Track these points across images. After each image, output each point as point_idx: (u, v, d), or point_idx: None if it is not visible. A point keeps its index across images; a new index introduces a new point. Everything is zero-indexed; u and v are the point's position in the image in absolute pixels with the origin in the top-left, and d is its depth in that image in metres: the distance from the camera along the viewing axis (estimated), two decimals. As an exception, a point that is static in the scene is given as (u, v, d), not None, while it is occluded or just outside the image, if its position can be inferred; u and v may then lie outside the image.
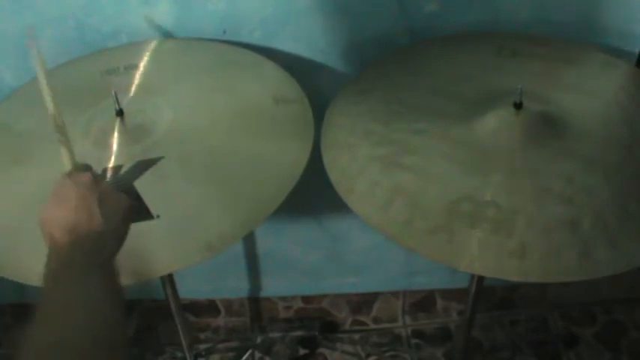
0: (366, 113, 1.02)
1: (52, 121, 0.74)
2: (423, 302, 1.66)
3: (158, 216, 0.86)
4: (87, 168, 0.76)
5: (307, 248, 1.54)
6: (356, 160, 0.95)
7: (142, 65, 1.11)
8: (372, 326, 1.66)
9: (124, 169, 0.92)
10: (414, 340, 1.62)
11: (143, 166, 0.92)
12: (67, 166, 0.76)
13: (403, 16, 1.17)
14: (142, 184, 0.89)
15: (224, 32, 1.17)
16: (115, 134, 0.96)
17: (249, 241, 1.53)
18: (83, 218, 0.66)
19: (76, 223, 0.65)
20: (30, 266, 0.80)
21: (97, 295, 0.60)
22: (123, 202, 0.72)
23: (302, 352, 1.60)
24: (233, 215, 0.89)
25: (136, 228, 0.85)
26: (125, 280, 0.70)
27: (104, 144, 0.96)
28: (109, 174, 0.91)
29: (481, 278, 1.12)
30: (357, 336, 1.64)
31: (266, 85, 1.07)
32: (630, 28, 1.17)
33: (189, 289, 1.51)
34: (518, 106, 0.94)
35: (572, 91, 1.02)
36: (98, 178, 0.74)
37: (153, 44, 1.16)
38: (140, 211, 0.86)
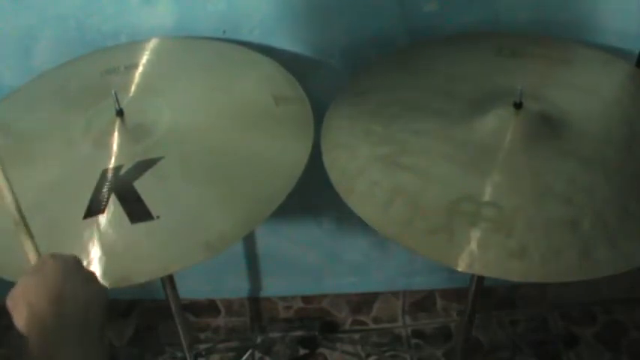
0: (366, 113, 1.02)
1: (11, 213, 0.70)
2: (423, 302, 1.66)
3: (158, 217, 0.86)
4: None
5: (307, 248, 1.54)
6: (356, 160, 0.95)
7: (141, 65, 1.11)
8: (372, 326, 1.66)
9: (124, 170, 0.91)
10: (414, 340, 1.62)
11: (143, 166, 0.92)
12: (32, 260, 0.71)
13: (403, 16, 1.17)
14: (142, 184, 0.89)
15: (224, 32, 1.17)
16: (115, 134, 0.96)
17: (249, 241, 1.53)
18: (67, 291, 0.62)
19: (59, 295, 0.61)
20: (29, 267, 0.80)
21: None
22: (102, 290, 0.66)
23: (302, 352, 1.60)
24: (233, 215, 0.89)
25: (137, 228, 0.85)
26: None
27: (104, 144, 0.96)
28: (109, 174, 0.91)
29: (481, 278, 1.12)
30: (357, 336, 1.64)
31: (266, 85, 1.07)
32: (630, 28, 1.17)
33: (189, 289, 1.50)
34: (518, 106, 0.94)
35: (572, 91, 1.03)
36: (80, 262, 0.69)
37: (153, 43, 1.16)
38: (140, 212, 0.86)
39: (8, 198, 0.71)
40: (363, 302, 1.66)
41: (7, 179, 0.72)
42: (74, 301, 0.62)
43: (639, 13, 1.15)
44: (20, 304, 0.61)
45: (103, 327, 0.63)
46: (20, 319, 0.61)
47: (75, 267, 0.66)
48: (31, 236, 0.71)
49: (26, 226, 0.71)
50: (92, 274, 0.67)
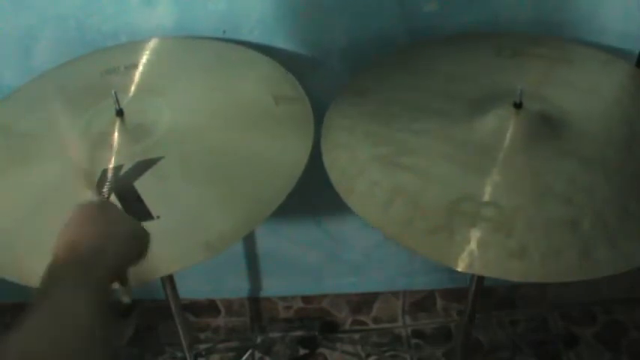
0: (366, 113, 1.02)
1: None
2: (423, 302, 1.66)
3: (158, 217, 0.86)
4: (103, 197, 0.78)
5: (307, 248, 1.54)
6: (356, 160, 0.95)
7: (141, 65, 1.11)
8: (372, 326, 1.66)
9: (124, 169, 0.91)
10: (414, 340, 1.62)
11: (143, 166, 0.92)
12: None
13: (403, 16, 1.17)
14: (142, 184, 0.89)
15: (224, 32, 1.17)
16: (115, 134, 0.96)
17: (249, 241, 1.53)
18: (83, 236, 0.66)
19: (75, 240, 0.66)
20: (30, 267, 0.80)
21: (82, 313, 0.60)
22: (130, 227, 0.72)
23: (302, 352, 1.60)
24: (233, 215, 0.89)
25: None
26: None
27: (104, 144, 0.96)
28: (109, 174, 0.91)
29: (481, 278, 1.12)
30: (357, 336, 1.63)
31: (266, 85, 1.07)
32: (630, 28, 1.17)
33: (189, 289, 1.50)
34: (518, 106, 0.94)
35: (573, 91, 1.03)
36: (110, 204, 0.77)
37: (153, 43, 1.16)
38: (140, 212, 0.86)
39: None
40: (363, 302, 1.66)
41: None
42: (85, 248, 0.65)
43: (639, 13, 1.15)
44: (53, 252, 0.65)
45: (111, 268, 0.67)
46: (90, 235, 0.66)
47: (97, 211, 0.71)
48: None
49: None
50: (114, 215, 0.72)
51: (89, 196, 0.77)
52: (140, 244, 0.71)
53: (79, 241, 0.65)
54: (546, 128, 0.95)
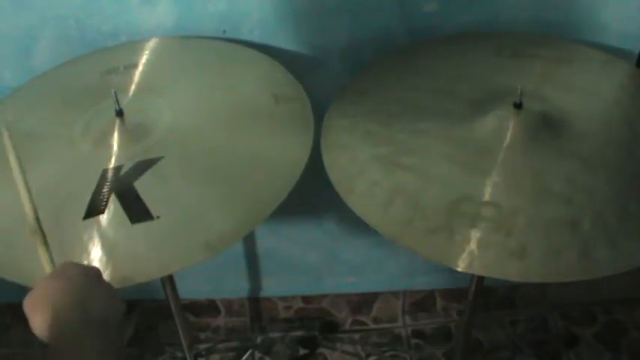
0: (366, 113, 1.02)
1: (29, 221, 0.70)
2: (423, 302, 1.66)
3: (158, 217, 0.86)
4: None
5: (307, 248, 1.54)
6: (356, 160, 0.95)
7: (141, 64, 1.11)
8: (372, 326, 1.66)
9: (124, 170, 0.91)
10: (414, 340, 1.62)
11: (143, 166, 0.92)
12: (47, 269, 0.70)
13: (403, 16, 1.17)
14: (142, 184, 0.89)
15: (224, 32, 1.17)
16: (115, 134, 0.96)
17: (249, 241, 1.53)
18: (89, 297, 0.62)
19: (80, 300, 0.61)
20: (30, 267, 0.80)
21: None
22: (109, 300, 0.65)
23: (302, 352, 1.60)
24: (233, 215, 0.89)
25: (137, 228, 0.85)
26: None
27: (104, 144, 0.96)
28: (109, 174, 0.91)
29: (481, 278, 1.12)
30: (357, 336, 1.64)
31: (266, 84, 1.07)
32: (630, 28, 1.17)
33: (189, 289, 1.50)
34: (518, 106, 0.94)
35: (573, 91, 1.02)
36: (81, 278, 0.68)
37: (153, 43, 1.16)
38: (140, 212, 0.86)
39: (27, 207, 0.72)
40: (363, 302, 1.66)
41: (29, 189, 0.72)
42: (97, 308, 0.61)
43: (639, 13, 1.15)
44: (41, 306, 0.60)
45: (120, 335, 0.63)
46: (41, 321, 0.59)
47: (97, 275, 0.66)
48: (48, 245, 0.70)
49: (43, 235, 0.71)
50: (111, 286, 0.66)
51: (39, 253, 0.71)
52: (118, 309, 0.65)
53: (85, 305, 0.61)
54: (546, 128, 0.95)
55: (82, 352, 0.59)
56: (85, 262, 0.81)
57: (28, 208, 0.72)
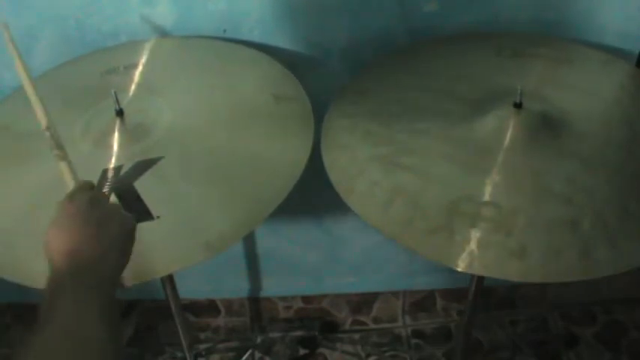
0: (366, 113, 1.02)
1: (48, 135, 0.72)
2: (423, 302, 1.66)
3: (158, 217, 0.86)
4: (89, 186, 0.73)
5: (307, 248, 1.54)
6: (356, 160, 0.95)
7: (141, 64, 1.11)
8: (372, 326, 1.66)
9: (124, 170, 0.91)
10: (414, 340, 1.62)
11: (143, 166, 0.92)
12: (69, 183, 0.73)
13: (403, 16, 1.17)
14: (142, 184, 0.89)
15: (224, 32, 1.17)
16: (115, 134, 0.96)
17: (249, 241, 1.53)
18: (82, 243, 0.63)
19: (74, 248, 0.63)
20: (29, 267, 0.80)
21: (87, 319, 0.58)
22: (126, 224, 0.69)
23: (302, 352, 1.60)
24: (233, 215, 0.89)
25: (137, 228, 0.85)
26: (128, 282, 0.70)
27: (104, 144, 0.96)
28: (109, 174, 0.91)
29: (481, 278, 1.12)
30: (357, 336, 1.64)
31: (266, 84, 1.07)
32: (630, 28, 1.17)
33: (189, 289, 1.50)
34: (518, 106, 0.94)
35: (572, 91, 1.02)
36: (100, 197, 0.72)
37: (152, 43, 1.16)
38: (140, 212, 0.86)
39: (43, 120, 0.74)
40: (363, 302, 1.66)
41: (46, 110, 0.74)
42: (85, 257, 0.63)
43: (639, 13, 1.15)
44: (46, 254, 0.63)
45: (112, 272, 0.65)
46: (60, 246, 0.63)
47: (90, 212, 0.67)
48: (68, 159, 0.73)
49: (62, 148, 0.73)
50: (108, 213, 0.68)
51: (72, 188, 0.72)
52: (132, 238, 0.69)
53: (79, 250, 0.62)
54: (546, 128, 0.95)
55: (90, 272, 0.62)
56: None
57: (44, 120, 0.74)
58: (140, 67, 1.11)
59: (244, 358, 1.58)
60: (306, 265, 1.57)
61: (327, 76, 1.22)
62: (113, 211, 0.70)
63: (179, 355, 1.57)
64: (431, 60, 1.13)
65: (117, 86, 1.01)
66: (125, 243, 0.67)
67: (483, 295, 1.18)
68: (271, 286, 1.63)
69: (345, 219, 1.45)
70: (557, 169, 0.90)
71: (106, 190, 0.88)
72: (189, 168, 0.94)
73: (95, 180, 0.90)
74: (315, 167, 0.94)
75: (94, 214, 0.66)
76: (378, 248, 1.52)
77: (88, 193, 0.70)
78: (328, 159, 0.96)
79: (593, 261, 0.79)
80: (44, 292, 0.60)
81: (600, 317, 1.62)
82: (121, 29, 1.17)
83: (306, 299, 1.65)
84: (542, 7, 1.16)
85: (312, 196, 1.21)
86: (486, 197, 0.86)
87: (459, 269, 0.81)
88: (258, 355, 1.60)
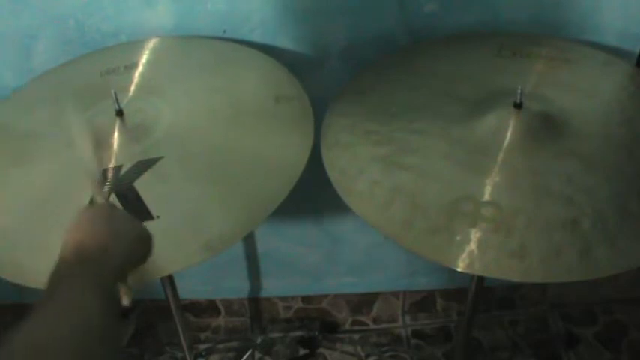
0: (366, 113, 1.02)
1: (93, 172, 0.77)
2: (423, 302, 1.66)
3: (158, 217, 0.86)
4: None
5: (307, 248, 1.54)
6: (356, 160, 0.95)
7: (141, 64, 1.11)
8: (372, 326, 1.66)
9: (124, 169, 0.91)
10: (414, 340, 1.62)
11: (143, 166, 0.92)
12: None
13: (403, 16, 1.17)
14: (142, 184, 0.89)
15: (224, 32, 1.17)
16: (115, 134, 0.96)
17: (249, 241, 1.53)
18: (90, 238, 0.67)
19: (82, 242, 0.66)
20: (30, 267, 0.80)
21: (90, 310, 0.60)
22: (135, 229, 0.72)
23: (302, 352, 1.60)
24: (233, 215, 0.89)
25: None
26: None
27: (104, 144, 0.96)
28: (109, 174, 0.91)
29: (481, 278, 1.12)
30: (357, 336, 1.64)
31: (266, 83, 1.07)
32: (630, 28, 1.17)
33: (189, 289, 1.51)
34: (518, 106, 0.94)
35: (572, 91, 1.02)
36: (115, 207, 0.77)
37: (152, 43, 1.16)
38: (140, 212, 0.86)
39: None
40: (363, 302, 1.66)
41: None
42: (91, 251, 0.65)
43: (639, 13, 1.15)
44: (60, 254, 0.65)
45: (117, 269, 0.67)
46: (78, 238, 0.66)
47: (102, 215, 0.71)
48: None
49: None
50: (118, 218, 0.72)
51: (95, 197, 0.77)
52: (144, 246, 0.72)
53: (87, 241, 0.66)
54: (546, 128, 0.95)
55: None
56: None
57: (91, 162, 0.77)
58: (140, 67, 1.11)
59: (244, 358, 1.58)
60: (306, 265, 1.57)
61: (327, 76, 1.22)
62: (125, 216, 0.74)
63: (179, 355, 1.57)
64: (431, 60, 1.13)
65: (117, 86, 1.01)
66: (134, 242, 0.70)
67: (483, 295, 1.18)
68: (271, 286, 1.63)
69: (345, 219, 1.45)
70: (557, 169, 0.90)
71: (106, 190, 0.88)
72: (189, 168, 0.94)
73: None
74: (315, 167, 0.94)
75: (109, 217, 0.71)
76: (378, 248, 1.52)
77: (106, 203, 0.75)
78: (328, 159, 0.96)
79: (593, 261, 0.79)
80: (49, 276, 0.62)
81: (600, 317, 1.62)
82: (121, 29, 1.17)
83: (306, 299, 1.65)
84: (542, 7, 1.16)
85: (312, 196, 1.21)
86: (486, 197, 0.86)
87: (459, 269, 0.81)
88: (258, 355, 1.60)
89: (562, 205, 0.85)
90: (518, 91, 0.93)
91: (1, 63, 1.21)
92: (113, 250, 0.66)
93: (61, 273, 0.63)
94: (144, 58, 1.13)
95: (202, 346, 1.59)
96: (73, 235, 0.67)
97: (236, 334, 1.67)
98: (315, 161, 0.95)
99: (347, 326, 1.66)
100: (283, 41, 1.19)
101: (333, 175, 0.94)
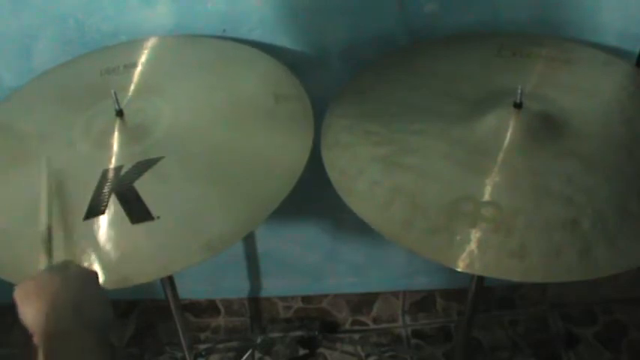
0: (366, 113, 1.02)
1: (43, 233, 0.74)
2: (423, 302, 1.66)
3: (158, 217, 0.86)
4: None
5: (307, 248, 1.54)
6: (356, 160, 0.95)
7: (141, 64, 1.11)
8: (372, 326, 1.66)
9: (124, 169, 0.91)
10: (414, 340, 1.62)
11: (143, 166, 0.92)
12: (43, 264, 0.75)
13: (403, 16, 1.17)
14: (142, 184, 0.89)
15: (224, 31, 1.17)
16: (115, 134, 0.96)
17: (249, 241, 1.53)
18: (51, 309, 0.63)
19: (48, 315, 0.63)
20: (30, 267, 0.80)
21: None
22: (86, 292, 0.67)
23: (302, 352, 1.60)
24: (233, 215, 0.89)
25: (137, 228, 0.85)
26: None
27: (104, 144, 0.96)
28: (109, 174, 0.91)
29: (481, 278, 1.12)
30: (357, 336, 1.64)
31: (266, 83, 1.07)
32: (630, 28, 1.17)
33: (189, 289, 1.51)
34: (518, 106, 0.94)
35: (573, 91, 1.02)
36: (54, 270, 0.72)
37: (152, 42, 1.16)
38: (140, 212, 0.86)
39: (43, 219, 0.75)
40: (363, 302, 1.66)
41: (50, 203, 0.76)
42: (90, 310, 0.63)
43: (639, 13, 1.15)
44: (36, 297, 0.62)
45: (107, 342, 0.64)
46: (33, 312, 0.61)
47: (95, 279, 0.68)
48: (51, 252, 0.74)
49: (50, 248, 0.74)
50: (105, 292, 0.68)
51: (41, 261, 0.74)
52: (98, 307, 0.67)
53: (85, 306, 0.63)
54: (546, 128, 0.95)
55: (71, 349, 0.60)
56: (85, 264, 0.81)
57: (43, 220, 0.75)
58: (140, 67, 1.11)
59: (244, 358, 1.58)
60: (306, 265, 1.57)
61: (327, 76, 1.22)
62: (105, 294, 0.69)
63: (179, 355, 1.57)
64: (431, 60, 1.13)
65: (117, 86, 1.01)
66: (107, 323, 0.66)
67: (483, 295, 1.18)
68: (271, 286, 1.63)
69: (345, 219, 1.45)
70: (557, 169, 0.90)
71: (106, 190, 0.88)
72: (189, 168, 0.94)
73: (95, 180, 0.91)
74: (315, 167, 0.94)
75: (98, 283, 0.68)
76: (378, 248, 1.52)
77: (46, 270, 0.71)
78: (328, 159, 0.96)
79: (593, 261, 0.79)
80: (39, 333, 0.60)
81: (600, 317, 1.62)
82: (121, 29, 1.17)
83: (306, 299, 1.65)
84: (542, 7, 1.16)
85: (312, 196, 1.21)
86: (486, 197, 0.86)
87: (459, 269, 0.81)
88: (258, 355, 1.60)
89: (562, 205, 0.85)
90: (519, 91, 0.93)
91: (1, 63, 1.21)
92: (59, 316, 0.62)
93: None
94: (143, 58, 1.13)
95: (202, 346, 1.59)
96: (41, 311, 0.63)
97: (236, 334, 1.67)
98: (315, 161, 0.95)
99: (347, 326, 1.66)
100: (283, 41, 1.19)
101: (333, 175, 0.94)
